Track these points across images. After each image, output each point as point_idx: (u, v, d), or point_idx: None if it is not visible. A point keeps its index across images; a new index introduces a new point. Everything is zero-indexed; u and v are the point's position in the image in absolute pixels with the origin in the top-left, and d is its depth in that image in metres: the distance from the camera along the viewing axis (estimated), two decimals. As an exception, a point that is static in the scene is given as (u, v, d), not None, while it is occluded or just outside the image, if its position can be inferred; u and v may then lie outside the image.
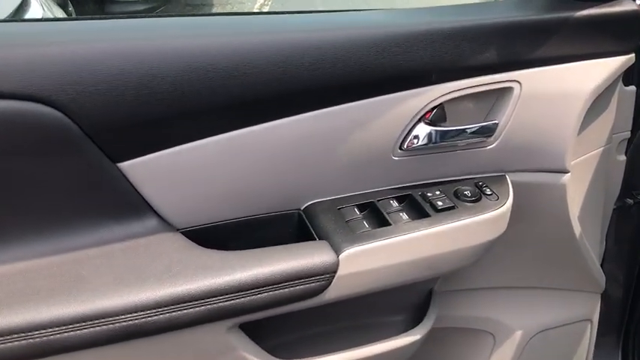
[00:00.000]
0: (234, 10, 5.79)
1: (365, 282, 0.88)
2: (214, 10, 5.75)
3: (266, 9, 5.79)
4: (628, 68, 1.05)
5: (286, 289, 0.83)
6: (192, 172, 0.85)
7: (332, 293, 0.86)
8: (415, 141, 0.93)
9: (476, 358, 1.23)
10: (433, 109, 0.92)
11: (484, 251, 0.97)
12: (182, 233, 0.87)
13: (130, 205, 0.84)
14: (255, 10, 5.73)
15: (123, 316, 0.76)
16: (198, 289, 0.79)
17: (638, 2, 1.06)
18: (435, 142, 0.94)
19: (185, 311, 0.78)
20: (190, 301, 0.78)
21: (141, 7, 4.30)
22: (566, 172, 1.01)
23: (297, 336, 0.98)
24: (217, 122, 0.83)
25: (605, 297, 1.37)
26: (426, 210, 0.93)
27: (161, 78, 0.77)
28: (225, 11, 5.71)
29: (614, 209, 1.26)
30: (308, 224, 0.92)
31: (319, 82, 0.86)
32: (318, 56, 0.85)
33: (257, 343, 0.89)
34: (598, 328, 1.37)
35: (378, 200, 0.95)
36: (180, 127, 0.81)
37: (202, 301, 0.79)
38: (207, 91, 0.79)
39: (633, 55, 1.02)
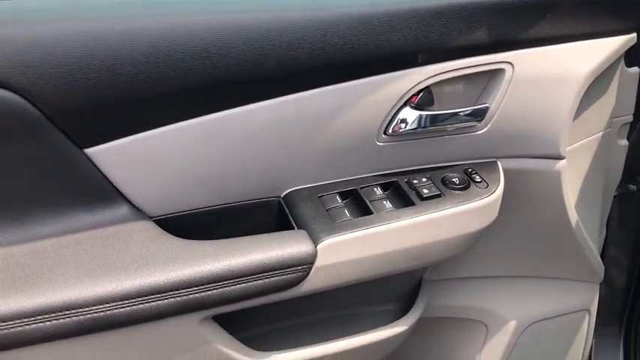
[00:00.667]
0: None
1: (344, 273, 0.85)
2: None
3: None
4: (630, 48, 0.99)
5: (261, 281, 0.80)
6: (165, 158, 0.81)
7: (309, 285, 0.83)
8: (402, 125, 0.89)
9: (468, 348, 1.20)
10: (419, 92, 0.87)
11: (473, 240, 0.93)
12: (155, 222, 0.84)
13: (100, 192, 0.80)
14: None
15: (90, 308, 0.73)
16: (169, 280, 0.76)
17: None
18: (422, 127, 0.90)
19: (155, 303, 0.75)
20: (160, 293, 0.75)
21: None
22: (561, 158, 0.96)
23: (276, 327, 0.95)
24: (190, 106, 0.79)
25: (607, 285, 1.34)
26: (411, 198, 0.89)
27: (125, 60, 0.73)
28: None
29: (615, 196, 1.22)
30: (287, 212, 0.88)
31: (299, 64, 0.81)
32: (297, 36, 0.80)
33: (233, 335, 0.86)
34: (600, 317, 1.34)
35: (361, 188, 0.91)
36: (149, 111, 0.77)
37: (173, 292, 0.76)
38: (175, 73, 0.75)
39: (635, 34, 0.97)
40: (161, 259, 0.78)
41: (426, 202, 0.89)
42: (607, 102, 1.03)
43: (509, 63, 0.89)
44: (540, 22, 0.89)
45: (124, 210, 0.82)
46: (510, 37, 0.88)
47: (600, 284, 1.27)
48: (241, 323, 0.89)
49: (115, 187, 0.81)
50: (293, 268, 0.81)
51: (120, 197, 0.82)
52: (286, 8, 0.82)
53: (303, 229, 0.85)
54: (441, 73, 0.87)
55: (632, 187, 1.22)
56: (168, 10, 0.78)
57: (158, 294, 0.75)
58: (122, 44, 0.73)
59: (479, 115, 0.92)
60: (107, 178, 0.80)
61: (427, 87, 0.88)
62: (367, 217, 0.86)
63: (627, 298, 1.38)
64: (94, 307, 0.73)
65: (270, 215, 0.91)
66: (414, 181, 0.92)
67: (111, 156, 0.78)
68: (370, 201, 0.89)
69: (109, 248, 0.79)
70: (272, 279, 0.80)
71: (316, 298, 0.87)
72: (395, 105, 0.87)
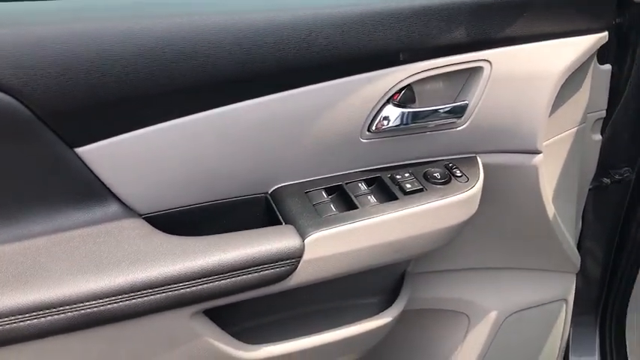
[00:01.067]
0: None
1: (331, 266, 0.87)
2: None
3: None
4: (602, 46, 1.03)
5: (250, 275, 0.82)
6: (154, 156, 0.83)
7: (298, 278, 0.85)
8: (384, 122, 0.92)
9: (450, 339, 1.23)
10: (401, 89, 0.90)
11: (454, 233, 0.96)
12: (145, 219, 0.86)
13: (90, 191, 0.82)
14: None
15: (83, 304, 0.74)
16: (160, 275, 0.77)
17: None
18: (404, 124, 0.93)
19: (147, 298, 0.77)
20: (152, 288, 0.77)
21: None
22: (538, 152, 0.99)
23: (265, 320, 0.97)
24: (178, 105, 0.81)
25: (583, 276, 1.38)
26: (395, 193, 0.92)
27: (114, 60, 0.74)
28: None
29: (590, 189, 1.26)
30: (275, 208, 0.91)
31: (284, 63, 0.84)
32: (282, 36, 0.82)
33: (223, 329, 0.88)
34: (576, 307, 1.38)
35: (347, 183, 0.94)
36: (139, 110, 0.79)
37: (164, 287, 0.78)
38: (164, 73, 0.77)
39: (606, 33, 1.01)
40: (152, 255, 0.79)
41: (409, 196, 0.91)
42: (581, 98, 1.07)
43: (488, 61, 0.92)
44: (517, 21, 0.92)
45: (114, 208, 0.84)
46: (488, 37, 0.92)
47: (577, 275, 1.31)
48: (232, 317, 0.91)
49: (106, 186, 0.82)
50: (282, 262, 0.83)
51: (110, 195, 0.83)
52: (272, 9, 0.84)
53: (291, 224, 0.87)
54: (422, 71, 0.90)
55: (607, 180, 1.26)
56: (157, 11, 0.80)
57: (150, 289, 0.77)
58: (112, 45, 0.74)
59: (458, 111, 0.95)
60: (97, 177, 0.81)
61: (409, 85, 0.90)
62: (352, 211, 0.89)
63: (602, 288, 1.42)
64: (87, 303, 0.74)
65: (258, 211, 0.93)
66: (397, 177, 0.95)
67: (101, 155, 0.80)
68: (355, 196, 0.91)
69: (100, 245, 0.80)
70: (261, 273, 0.82)
71: (304, 292, 0.90)
72: (378, 103, 0.89)
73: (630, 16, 1.08)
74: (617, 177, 1.25)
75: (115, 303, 0.75)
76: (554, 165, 1.08)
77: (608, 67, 1.10)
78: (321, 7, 0.86)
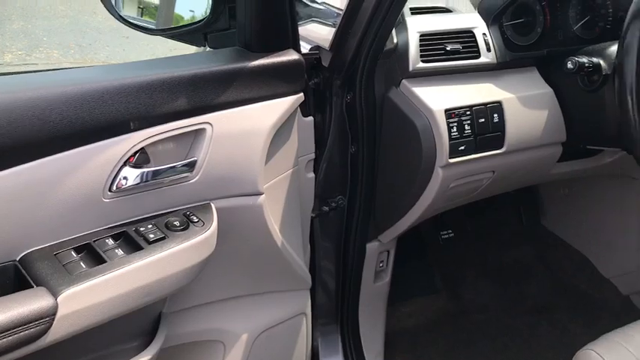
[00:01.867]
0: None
1: (87, 318, 0.95)
2: None
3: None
4: (303, 102, 1.28)
5: (6, 339, 0.86)
6: None
7: (55, 334, 0.91)
8: (124, 182, 1.03)
9: None
10: (136, 153, 1.03)
11: (197, 272, 1.11)
12: None
13: None
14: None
15: None
16: None
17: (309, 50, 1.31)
18: (144, 182, 1.06)
19: None
20: None
21: None
22: (260, 194, 1.20)
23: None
24: None
25: (323, 291, 1.62)
26: (140, 243, 1.04)
27: None
28: None
29: (313, 217, 1.51)
30: (24, 273, 0.96)
31: (19, 139, 0.91)
32: (14, 116, 0.91)
33: None
34: (321, 318, 1.62)
35: (94, 241, 1.02)
36: None
37: None
38: None
39: (302, 94, 1.26)
40: None
41: (153, 245, 1.04)
42: (291, 146, 1.30)
43: (209, 123, 1.10)
44: (229, 89, 1.12)
45: None
46: (206, 103, 1.10)
47: (316, 290, 1.55)
48: None
49: None
50: (36, 322, 0.89)
51: None
52: (8, 90, 0.92)
53: (43, 286, 0.93)
54: (152, 136, 1.04)
55: (326, 208, 1.52)
56: None
57: None
58: None
59: (190, 166, 1.10)
60: None
61: (142, 148, 1.04)
62: (101, 265, 0.98)
63: (338, 299, 1.69)
64: None
65: (8, 279, 0.97)
66: (142, 229, 1.06)
67: None
68: (103, 251, 1.01)
69: None
70: (16, 335, 0.87)
71: (66, 346, 0.96)
72: (115, 166, 1.01)
73: (323, 78, 1.37)
74: (333, 205, 1.52)
75: None
76: (277, 202, 1.30)
77: (310, 119, 1.36)
78: (54, 87, 0.96)
